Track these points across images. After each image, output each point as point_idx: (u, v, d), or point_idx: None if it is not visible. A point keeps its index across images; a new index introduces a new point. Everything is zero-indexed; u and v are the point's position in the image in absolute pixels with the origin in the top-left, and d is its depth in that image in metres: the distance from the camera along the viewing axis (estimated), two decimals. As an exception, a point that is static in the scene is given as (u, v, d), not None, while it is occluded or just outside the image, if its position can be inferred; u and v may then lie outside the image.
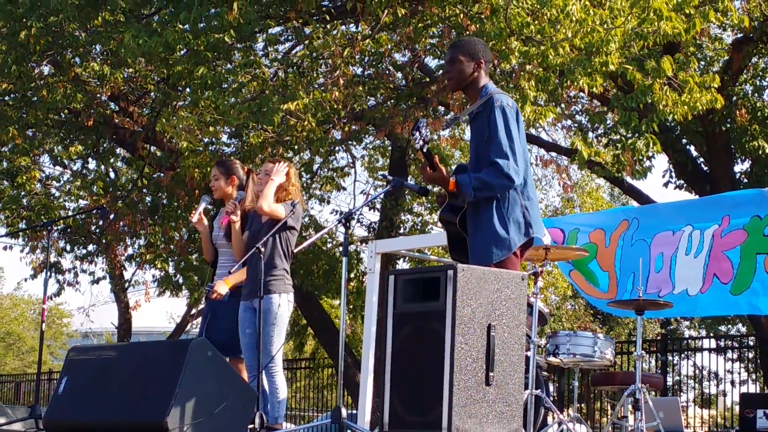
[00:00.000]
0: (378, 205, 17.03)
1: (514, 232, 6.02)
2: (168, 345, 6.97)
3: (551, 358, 8.42)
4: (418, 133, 5.96)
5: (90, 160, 17.05)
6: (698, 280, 9.13)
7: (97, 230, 16.74)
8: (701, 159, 16.34)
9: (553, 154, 16.80)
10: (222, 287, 7.85)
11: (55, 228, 15.93)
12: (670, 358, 19.47)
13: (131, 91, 15.11)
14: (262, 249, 7.28)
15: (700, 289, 9.15)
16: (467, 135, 18.55)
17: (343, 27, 13.12)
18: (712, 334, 23.52)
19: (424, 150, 5.98)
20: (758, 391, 17.85)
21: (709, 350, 17.10)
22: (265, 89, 12.31)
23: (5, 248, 17.74)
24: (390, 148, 17.54)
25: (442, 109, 14.37)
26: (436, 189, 16.45)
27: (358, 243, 17.45)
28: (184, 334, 23.85)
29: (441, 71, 11.49)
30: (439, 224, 6.36)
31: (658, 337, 23.47)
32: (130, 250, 18.10)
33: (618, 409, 8.33)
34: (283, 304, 7.69)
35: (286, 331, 7.90)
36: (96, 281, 18.60)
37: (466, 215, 6.13)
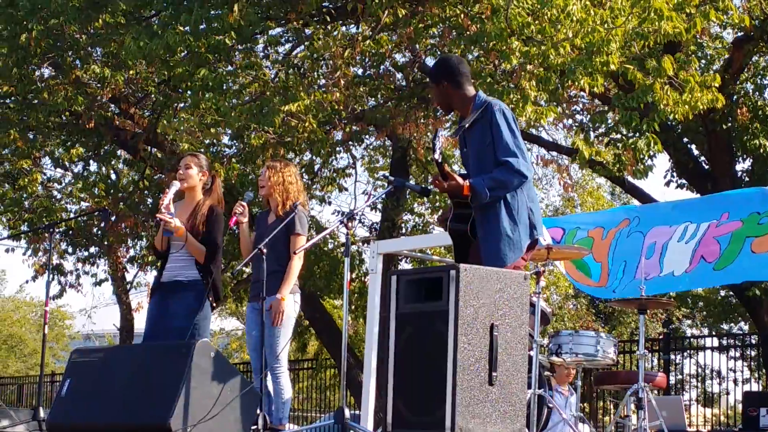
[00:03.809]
0: (379, 206, 17.03)
1: (524, 233, 6.09)
2: (171, 346, 6.95)
3: (554, 358, 8.42)
4: (438, 143, 6.03)
5: (91, 162, 17.05)
6: (685, 262, 9.21)
7: (99, 232, 16.75)
8: (702, 158, 16.34)
9: (554, 153, 16.79)
10: (177, 222, 7.56)
11: (57, 230, 15.95)
12: (672, 357, 19.47)
13: (132, 93, 15.10)
14: (264, 250, 7.27)
15: (685, 270, 9.21)
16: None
17: (344, 28, 13.12)
18: (714, 333, 23.53)
19: (440, 160, 6.03)
20: (761, 390, 17.85)
21: (712, 349, 17.09)
22: (266, 90, 12.31)
23: (7, 251, 17.80)
24: (391, 148, 17.54)
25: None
26: (437, 190, 16.51)
27: (360, 243, 17.44)
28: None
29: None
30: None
31: (661, 336, 23.45)
32: (132, 252, 18.11)
33: (621, 408, 8.35)
34: (289, 304, 7.69)
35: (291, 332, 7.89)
36: (98, 283, 18.61)
37: (474, 222, 6.16)
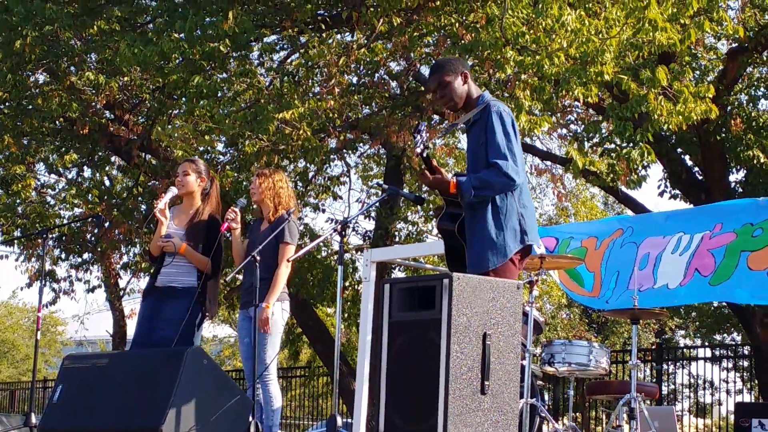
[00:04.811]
0: (373, 214, 17.02)
1: (510, 238, 6.03)
2: (163, 353, 6.94)
3: (546, 367, 8.42)
4: (419, 136, 5.97)
5: (85, 168, 17.03)
6: (679, 275, 9.19)
7: (93, 238, 16.73)
8: (696, 168, 16.36)
9: (548, 162, 16.81)
10: (178, 242, 7.61)
11: (51, 236, 15.93)
12: (665, 367, 19.49)
13: (126, 99, 15.09)
14: (258, 258, 7.28)
15: (680, 283, 9.19)
16: (462, 144, 18.59)
17: (339, 36, 13.14)
18: (707, 344, 23.55)
19: (424, 155, 6.00)
20: (753, 401, 17.87)
21: (704, 359, 17.11)
22: (261, 98, 12.31)
23: (0, 257, 17.71)
24: (385, 156, 17.55)
25: (437, 117, 14.38)
26: (431, 197, 16.54)
27: (354, 251, 17.44)
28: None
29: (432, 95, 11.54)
30: (434, 232, 6.35)
31: (654, 346, 23.48)
32: (125, 258, 18.11)
33: (613, 419, 8.33)
34: (276, 312, 7.68)
35: (281, 339, 7.87)
36: (91, 290, 18.57)
37: (464, 223, 6.14)
